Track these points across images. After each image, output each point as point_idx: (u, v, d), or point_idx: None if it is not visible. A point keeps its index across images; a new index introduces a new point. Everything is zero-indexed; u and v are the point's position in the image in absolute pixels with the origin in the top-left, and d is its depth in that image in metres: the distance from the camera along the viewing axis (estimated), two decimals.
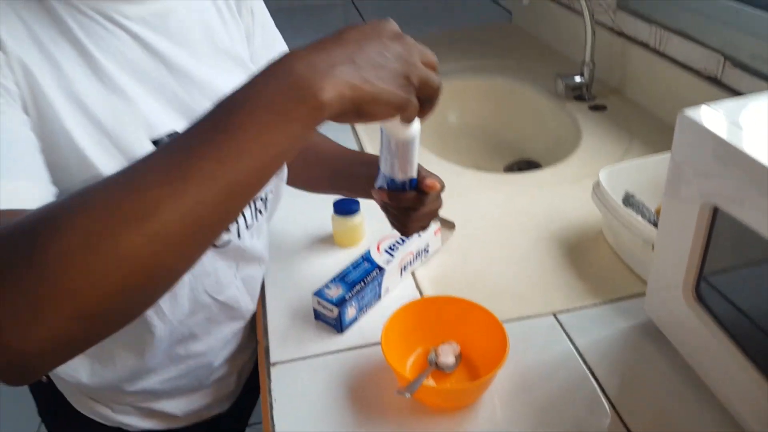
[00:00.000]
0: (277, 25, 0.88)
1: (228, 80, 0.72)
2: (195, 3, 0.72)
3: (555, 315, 0.83)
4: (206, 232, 0.43)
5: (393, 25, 0.51)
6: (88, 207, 0.41)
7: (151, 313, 0.73)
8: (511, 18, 1.90)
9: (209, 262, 0.77)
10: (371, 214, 1.03)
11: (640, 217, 0.85)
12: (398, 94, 0.48)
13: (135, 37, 0.64)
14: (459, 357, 0.77)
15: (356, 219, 0.98)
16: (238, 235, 0.79)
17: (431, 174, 0.72)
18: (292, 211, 1.02)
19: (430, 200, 0.72)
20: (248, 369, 0.99)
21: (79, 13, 0.61)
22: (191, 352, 0.83)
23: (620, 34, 1.37)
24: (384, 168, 0.68)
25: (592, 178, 0.92)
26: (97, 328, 0.42)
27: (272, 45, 0.85)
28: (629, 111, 1.32)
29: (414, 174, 0.68)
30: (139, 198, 0.40)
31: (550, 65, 1.54)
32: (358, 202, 0.97)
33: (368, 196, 0.79)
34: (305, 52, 0.46)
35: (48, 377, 0.85)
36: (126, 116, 0.63)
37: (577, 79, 1.36)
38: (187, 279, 0.75)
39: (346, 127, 1.33)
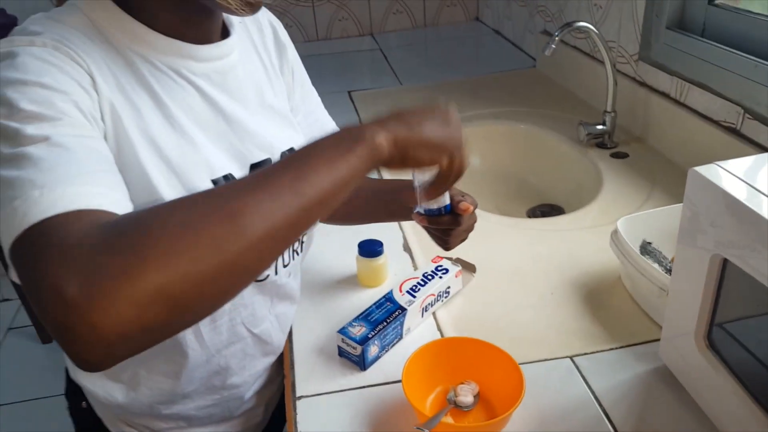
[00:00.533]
0: (308, 69, 0.96)
1: (273, 130, 0.81)
2: (248, 64, 0.81)
3: (572, 358, 0.85)
4: (280, 238, 0.51)
5: (440, 104, 0.64)
6: (188, 204, 0.49)
7: (190, 337, 0.78)
8: (536, 65, 1.95)
9: (248, 294, 0.81)
10: (394, 256, 1.07)
11: (656, 265, 0.87)
12: (438, 142, 0.63)
13: (199, 90, 0.73)
14: (477, 396, 0.79)
15: (380, 260, 1.01)
16: (276, 272, 0.83)
17: (465, 195, 0.80)
18: (319, 251, 1.07)
19: (466, 219, 0.81)
20: (275, 400, 1.02)
21: (154, 67, 0.69)
22: (226, 384, 0.87)
23: (642, 84, 1.41)
24: (419, 201, 0.76)
25: (612, 225, 0.94)
26: (179, 315, 0.47)
27: (309, 98, 0.95)
28: (651, 159, 1.35)
29: (447, 201, 0.78)
30: (231, 202, 0.49)
31: (573, 112, 1.58)
32: (381, 244, 1.01)
33: (403, 219, 0.91)
34: (365, 122, 0.60)
35: (87, 402, 0.89)
36: (191, 158, 0.70)
37: (599, 127, 1.40)
38: (227, 308, 0.79)
39: None
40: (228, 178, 0.74)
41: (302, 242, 0.90)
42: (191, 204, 0.49)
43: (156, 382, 0.82)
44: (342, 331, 0.86)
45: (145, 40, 0.69)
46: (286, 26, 0.92)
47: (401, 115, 0.62)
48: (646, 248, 0.93)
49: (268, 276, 0.82)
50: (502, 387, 0.78)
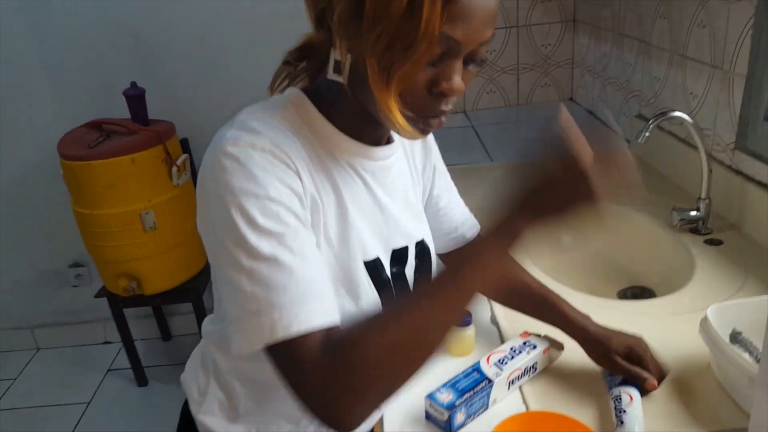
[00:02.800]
0: None
1: (411, 222, 0.94)
2: (401, 166, 0.94)
3: None
4: (447, 336, 0.70)
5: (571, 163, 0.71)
6: (389, 327, 0.67)
7: None
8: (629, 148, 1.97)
9: None
10: (482, 327, 1.12)
11: (746, 355, 0.88)
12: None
13: (366, 184, 0.86)
14: None
15: (468, 330, 1.06)
16: None
17: (651, 361, 0.92)
18: None
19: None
20: None
21: (337, 162, 0.82)
22: None
23: (738, 172, 1.42)
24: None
25: (704, 312, 0.95)
26: (375, 409, 0.69)
27: (450, 188, 1.09)
28: (746, 247, 1.35)
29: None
30: (419, 325, 0.67)
31: (667, 196, 1.59)
32: (470, 315, 1.06)
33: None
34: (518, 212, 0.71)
35: None
36: (351, 242, 0.82)
37: (693, 213, 1.41)
38: None
39: None
40: (376, 261, 0.85)
41: None
42: (391, 326, 0.67)
43: (279, 425, 0.90)
44: (431, 396, 0.91)
45: (333, 140, 0.82)
46: None
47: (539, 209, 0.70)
48: (736, 337, 0.94)
49: None
50: None
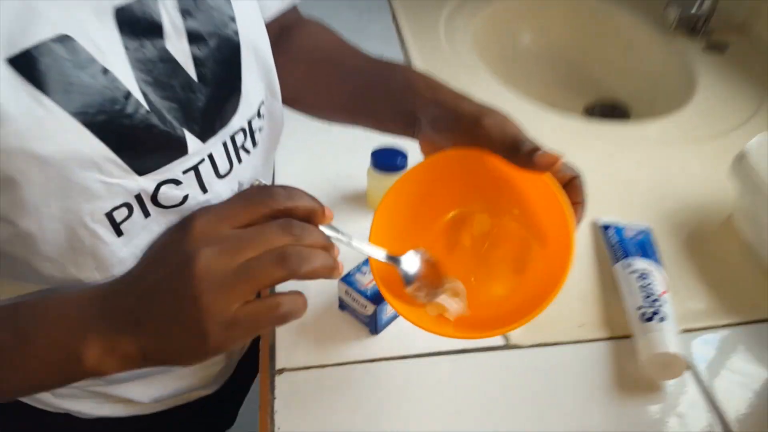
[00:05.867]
0: (311, 8, 0.74)
1: None
2: None
3: None
4: None
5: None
6: None
7: (92, 268, 0.52)
8: None
9: (156, 225, 0.53)
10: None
11: None
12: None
13: None
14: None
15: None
16: (204, 189, 0.54)
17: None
18: (309, 155, 0.79)
19: None
20: (242, 349, 0.81)
21: None
22: None
23: None
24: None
25: (709, 142, 0.81)
26: None
27: None
28: (756, 55, 1.05)
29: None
30: None
31: None
32: (405, 156, 0.71)
33: (405, 134, 0.60)
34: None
35: None
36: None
37: (693, 10, 1.07)
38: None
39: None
40: (44, 47, 0.44)
41: (252, 132, 0.59)
42: None
43: None
44: (347, 279, 0.60)
45: None
46: None
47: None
48: None
49: (186, 197, 0.53)
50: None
